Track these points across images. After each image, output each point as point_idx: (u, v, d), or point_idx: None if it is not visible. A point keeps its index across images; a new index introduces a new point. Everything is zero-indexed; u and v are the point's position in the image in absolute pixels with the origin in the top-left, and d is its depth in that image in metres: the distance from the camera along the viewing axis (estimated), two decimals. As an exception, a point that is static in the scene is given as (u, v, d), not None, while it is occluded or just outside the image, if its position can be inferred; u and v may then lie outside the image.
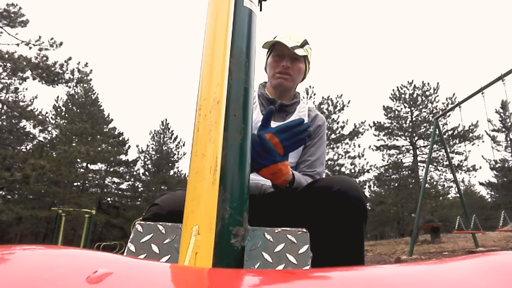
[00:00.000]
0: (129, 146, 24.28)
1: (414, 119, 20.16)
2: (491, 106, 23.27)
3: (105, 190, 23.94)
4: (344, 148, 19.16)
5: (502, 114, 20.90)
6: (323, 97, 19.18)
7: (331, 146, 18.93)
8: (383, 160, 20.90)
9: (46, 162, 10.82)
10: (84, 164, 21.92)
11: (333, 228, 0.88)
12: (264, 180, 1.14)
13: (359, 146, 19.87)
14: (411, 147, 20.14)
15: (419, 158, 19.77)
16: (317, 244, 0.91)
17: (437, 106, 19.73)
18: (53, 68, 13.11)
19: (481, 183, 23.54)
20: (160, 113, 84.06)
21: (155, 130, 25.54)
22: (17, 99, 18.44)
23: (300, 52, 1.18)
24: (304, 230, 0.60)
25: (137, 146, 24.98)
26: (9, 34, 13.15)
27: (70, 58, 13.57)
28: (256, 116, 1.20)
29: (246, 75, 0.67)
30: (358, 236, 0.88)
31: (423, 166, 19.14)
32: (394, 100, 20.75)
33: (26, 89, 20.36)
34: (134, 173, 24.70)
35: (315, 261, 0.97)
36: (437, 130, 7.29)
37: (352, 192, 0.87)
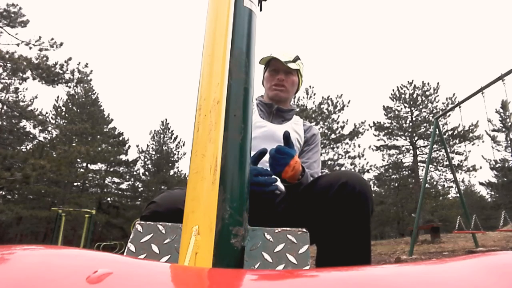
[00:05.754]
0: (129, 146, 24.27)
1: (414, 119, 20.14)
2: (491, 106, 23.24)
3: (105, 190, 23.92)
4: (344, 148, 19.13)
5: (502, 114, 20.86)
6: (323, 97, 19.14)
7: (331, 146, 18.92)
8: (383, 160, 20.92)
9: (46, 162, 10.82)
10: (84, 164, 21.92)
11: (340, 221, 0.90)
12: None
13: (359, 146, 19.86)
14: (411, 147, 20.13)
15: (419, 158, 19.77)
16: (324, 239, 0.92)
17: (437, 106, 19.72)
18: (53, 68, 13.10)
19: (481, 183, 23.51)
20: (160, 113, 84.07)
21: (155, 130, 25.53)
22: (17, 99, 18.38)
23: (292, 66, 1.30)
24: (304, 230, 0.60)
25: (137, 146, 24.96)
26: (9, 34, 13.15)
27: (70, 59, 13.57)
28: (255, 118, 1.29)
29: (246, 75, 0.67)
30: (364, 229, 0.90)
31: (423, 166, 19.13)
32: (394, 100, 20.75)
33: (26, 89, 20.33)
34: (134, 173, 24.69)
35: (321, 257, 0.97)
36: (437, 130, 7.28)
37: (360, 185, 0.89)
